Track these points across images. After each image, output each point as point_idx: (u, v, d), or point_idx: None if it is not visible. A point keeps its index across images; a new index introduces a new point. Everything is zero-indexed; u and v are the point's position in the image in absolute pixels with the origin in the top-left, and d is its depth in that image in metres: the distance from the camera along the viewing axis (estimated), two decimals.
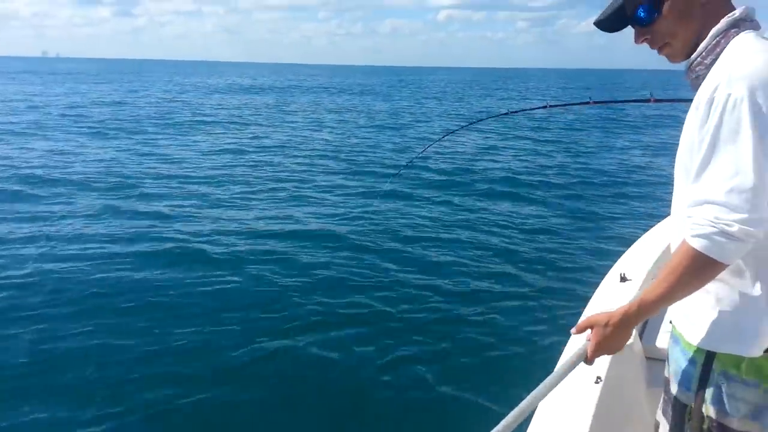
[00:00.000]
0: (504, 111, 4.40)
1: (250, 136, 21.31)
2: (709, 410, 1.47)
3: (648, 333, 2.84)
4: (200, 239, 8.46)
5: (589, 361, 1.58)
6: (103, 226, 9.01)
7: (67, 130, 20.83)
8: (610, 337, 1.51)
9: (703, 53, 1.42)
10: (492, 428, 1.61)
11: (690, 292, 1.41)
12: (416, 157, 7.61)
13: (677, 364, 1.57)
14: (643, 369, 2.60)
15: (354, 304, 6.22)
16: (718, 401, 1.46)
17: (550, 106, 3.85)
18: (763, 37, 1.39)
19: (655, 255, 3.13)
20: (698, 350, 1.49)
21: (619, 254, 3.36)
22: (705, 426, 1.49)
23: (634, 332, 2.47)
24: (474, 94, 55.03)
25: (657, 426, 1.71)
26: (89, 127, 21.84)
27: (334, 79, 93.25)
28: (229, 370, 4.76)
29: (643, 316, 1.48)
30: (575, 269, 7.13)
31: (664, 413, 1.65)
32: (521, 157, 16.85)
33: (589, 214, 9.92)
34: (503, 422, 1.58)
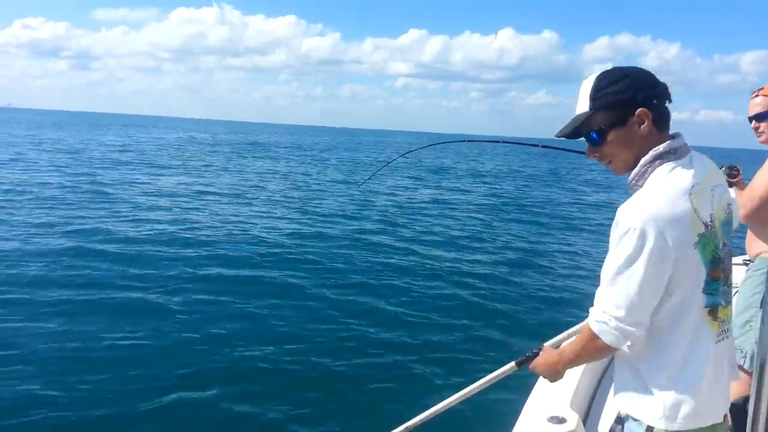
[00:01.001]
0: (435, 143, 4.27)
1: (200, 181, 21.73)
2: None
3: (591, 418, 2.89)
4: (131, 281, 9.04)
5: (520, 366, 2.04)
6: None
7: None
8: (543, 371, 1.92)
9: (636, 177, 1.64)
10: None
11: (591, 360, 1.78)
12: (364, 182, 7.66)
13: (613, 425, 1.77)
14: None
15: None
16: None
17: (469, 140, 4.15)
18: (681, 165, 1.59)
19: None
20: (639, 425, 1.64)
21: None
22: None
23: (577, 418, 2.53)
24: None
25: None
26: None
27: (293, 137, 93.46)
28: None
29: (561, 369, 1.85)
30: (561, 295, 7.83)
31: None
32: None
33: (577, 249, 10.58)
34: (435, 407, 2.10)
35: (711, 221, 1.56)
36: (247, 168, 30.96)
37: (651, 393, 1.60)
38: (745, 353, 2.72)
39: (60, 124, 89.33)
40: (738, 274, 2.72)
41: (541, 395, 2.60)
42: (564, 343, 2.77)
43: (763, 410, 1.43)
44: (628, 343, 1.57)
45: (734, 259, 2.24)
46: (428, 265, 10.31)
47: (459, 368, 5.87)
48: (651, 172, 1.60)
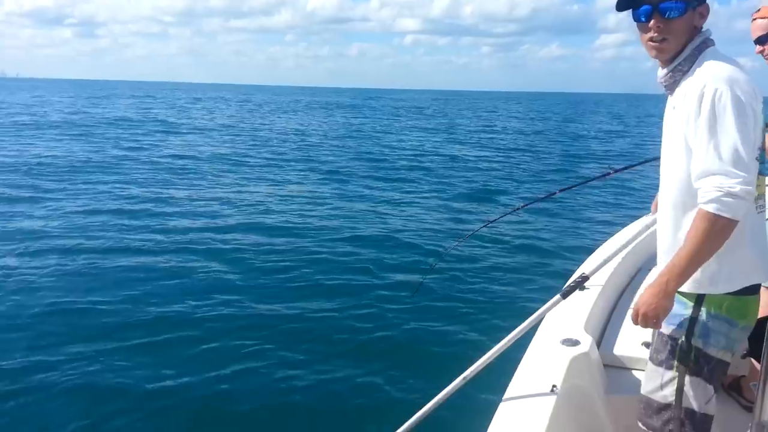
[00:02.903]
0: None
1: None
2: (697, 342, 1.77)
3: (606, 341, 2.85)
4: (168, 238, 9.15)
5: (637, 323, 1.78)
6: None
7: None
8: (655, 308, 1.70)
9: (682, 61, 1.73)
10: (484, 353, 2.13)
11: (711, 253, 1.63)
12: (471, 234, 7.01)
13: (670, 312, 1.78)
14: (601, 376, 2.55)
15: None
16: (704, 335, 1.76)
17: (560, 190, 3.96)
18: (723, 54, 1.72)
19: (616, 261, 3.11)
20: (689, 295, 1.77)
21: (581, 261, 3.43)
22: (692, 355, 1.78)
23: (591, 340, 2.48)
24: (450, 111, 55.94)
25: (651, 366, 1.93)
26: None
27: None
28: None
29: (676, 280, 1.67)
30: (540, 277, 7.34)
31: (652, 357, 1.90)
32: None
33: (553, 226, 10.15)
34: (490, 352, 2.12)
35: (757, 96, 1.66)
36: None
37: (709, 263, 1.67)
38: None
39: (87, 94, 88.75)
40: None
41: (554, 318, 2.56)
42: (602, 273, 2.89)
43: None
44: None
45: None
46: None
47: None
48: (697, 57, 1.71)
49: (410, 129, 34.65)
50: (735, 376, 2.61)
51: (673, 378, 1.81)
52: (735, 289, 1.73)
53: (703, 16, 1.73)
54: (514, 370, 2.25)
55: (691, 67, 1.71)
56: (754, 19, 2.66)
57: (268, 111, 52.88)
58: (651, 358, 1.91)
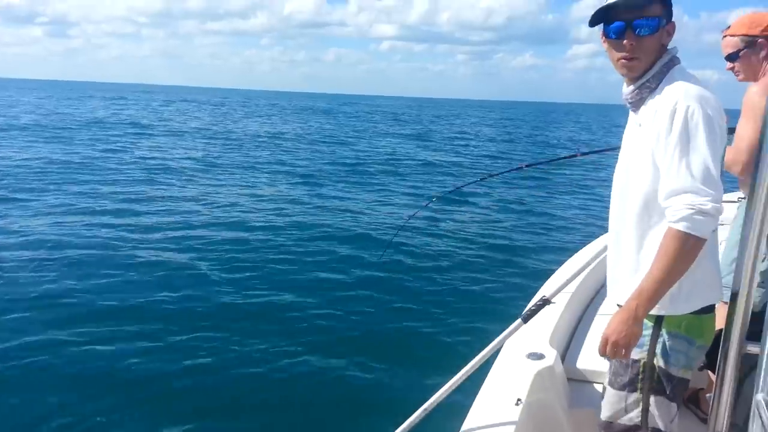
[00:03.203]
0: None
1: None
2: (659, 362, 1.75)
3: (570, 354, 2.85)
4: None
5: (603, 355, 1.75)
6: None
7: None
8: (625, 335, 1.66)
9: (650, 78, 1.71)
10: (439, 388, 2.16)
11: (681, 274, 1.60)
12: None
13: None
14: (565, 390, 2.57)
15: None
16: (665, 355, 1.74)
17: (489, 175, 3.94)
18: (687, 71, 1.71)
19: (579, 279, 3.11)
20: (648, 316, 1.71)
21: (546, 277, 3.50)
22: (655, 375, 1.76)
23: (555, 354, 2.51)
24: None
25: (602, 395, 1.94)
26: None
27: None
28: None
29: (645, 305, 1.63)
30: (503, 293, 7.13)
31: (611, 383, 1.87)
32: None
33: (516, 246, 9.89)
34: (449, 383, 2.14)
35: None
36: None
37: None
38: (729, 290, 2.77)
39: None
40: (731, 210, 2.79)
41: (521, 333, 2.56)
42: (564, 290, 2.84)
43: (734, 344, 1.46)
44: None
45: (728, 196, 2.34)
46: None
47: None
48: (667, 73, 1.69)
49: (384, 135, 35.02)
50: (693, 389, 2.63)
51: (638, 399, 1.79)
52: (694, 310, 1.73)
53: (670, 33, 1.73)
54: (481, 384, 2.30)
55: (659, 84, 1.69)
56: (724, 36, 2.63)
57: (242, 115, 52.71)
58: (610, 383, 1.87)
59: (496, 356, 2.50)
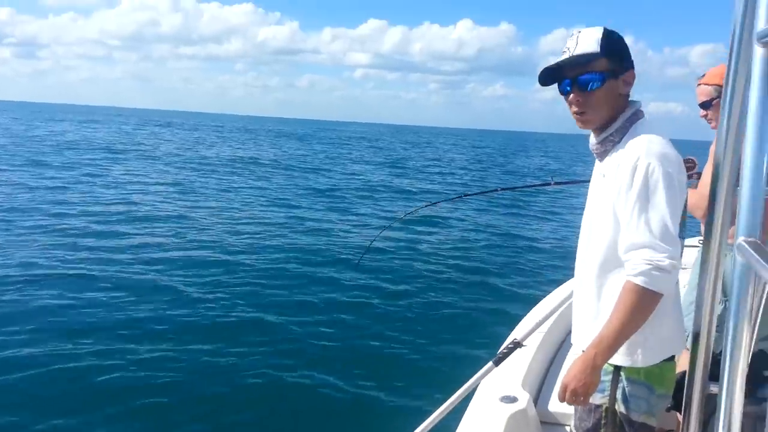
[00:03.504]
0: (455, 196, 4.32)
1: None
2: (620, 407, 1.77)
3: (542, 397, 2.87)
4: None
5: (563, 401, 1.77)
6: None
7: None
8: (584, 384, 1.68)
9: (613, 132, 1.72)
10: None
11: (638, 326, 1.63)
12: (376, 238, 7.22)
13: None
14: None
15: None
16: (625, 400, 1.76)
17: (466, 195, 4.21)
18: (653, 123, 1.73)
19: (550, 322, 3.11)
20: (608, 365, 1.75)
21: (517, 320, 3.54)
22: (617, 420, 1.79)
23: (528, 397, 2.54)
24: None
25: None
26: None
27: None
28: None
29: (604, 354, 1.66)
30: (475, 336, 6.84)
31: (576, 427, 1.90)
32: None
33: (488, 268, 9.98)
34: (422, 426, 2.14)
35: None
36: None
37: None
38: (688, 333, 2.81)
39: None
40: (691, 255, 2.92)
41: (494, 376, 2.59)
42: (536, 333, 2.87)
43: (697, 385, 1.49)
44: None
45: (689, 241, 2.48)
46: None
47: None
48: (635, 128, 1.70)
49: (357, 161, 35.41)
50: (663, 430, 2.61)
51: None
52: (654, 363, 1.75)
53: (628, 83, 1.74)
54: (455, 427, 2.33)
55: (623, 138, 1.71)
56: (699, 84, 2.65)
57: (216, 139, 52.66)
58: (576, 428, 1.90)
59: (469, 399, 2.54)
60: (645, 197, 1.59)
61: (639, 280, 1.57)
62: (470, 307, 7.67)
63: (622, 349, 1.70)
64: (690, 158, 2.87)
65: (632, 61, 1.74)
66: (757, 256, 0.92)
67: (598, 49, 1.67)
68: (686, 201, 1.72)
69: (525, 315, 3.58)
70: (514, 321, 3.50)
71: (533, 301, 3.92)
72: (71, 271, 8.19)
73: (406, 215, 5.19)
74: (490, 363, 2.44)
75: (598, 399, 1.80)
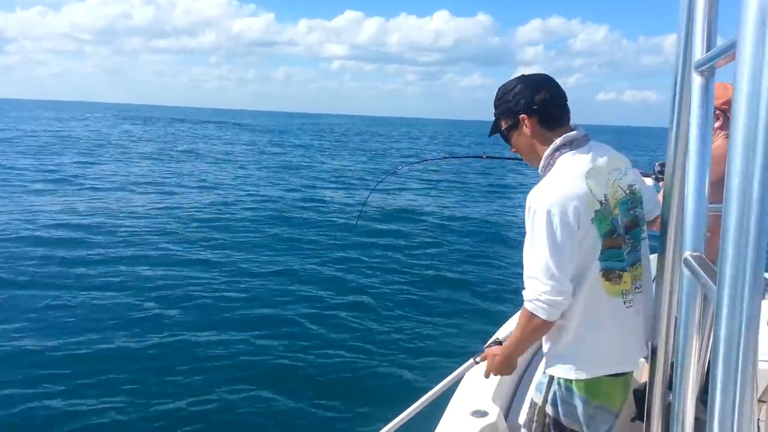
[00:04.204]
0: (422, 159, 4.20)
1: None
2: (549, 410, 1.92)
3: (513, 410, 2.93)
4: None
5: (486, 376, 2.14)
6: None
7: None
8: (498, 368, 2.02)
9: (543, 168, 1.87)
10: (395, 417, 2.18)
11: (529, 343, 1.92)
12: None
13: (539, 378, 2.04)
14: None
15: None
16: (555, 404, 1.90)
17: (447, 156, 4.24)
18: (579, 153, 1.81)
19: None
20: (550, 377, 1.93)
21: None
22: (545, 421, 1.93)
23: (499, 411, 2.60)
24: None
25: None
26: None
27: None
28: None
29: (512, 355, 1.97)
30: (458, 339, 6.71)
31: (524, 422, 2.05)
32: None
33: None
34: (402, 415, 2.12)
35: (605, 200, 1.77)
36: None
37: (560, 350, 1.87)
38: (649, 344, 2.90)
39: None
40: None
41: (465, 390, 2.65)
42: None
43: (657, 395, 1.52)
44: (561, 313, 1.77)
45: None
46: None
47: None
48: (554, 163, 1.83)
49: (336, 153, 35.24)
50: None
51: None
52: (585, 378, 1.84)
53: (526, 126, 1.88)
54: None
55: (546, 174, 1.85)
56: None
57: (189, 132, 51.96)
58: (523, 419, 2.09)
59: (448, 394, 2.58)
60: (530, 237, 1.77)
61: (528, 306, 1.77)
62: (456, 303, 7.68)
63: (554, 359, 1.89)
64: (663, 162, 2.94)
65: (526, 103, 1.87)
66: (701, 270, 0.96)
67: (494, 114, 1.97)
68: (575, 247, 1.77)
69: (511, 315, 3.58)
70: (502, 320, 3.50)
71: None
72: (26, 284, 7.97)
73: (388, 175, 5.08)
74: (471, 360, 2.44)
75: (535, 396, 1.99)
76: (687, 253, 1.07)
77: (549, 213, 1.71)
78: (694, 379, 1.13)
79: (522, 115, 1.87)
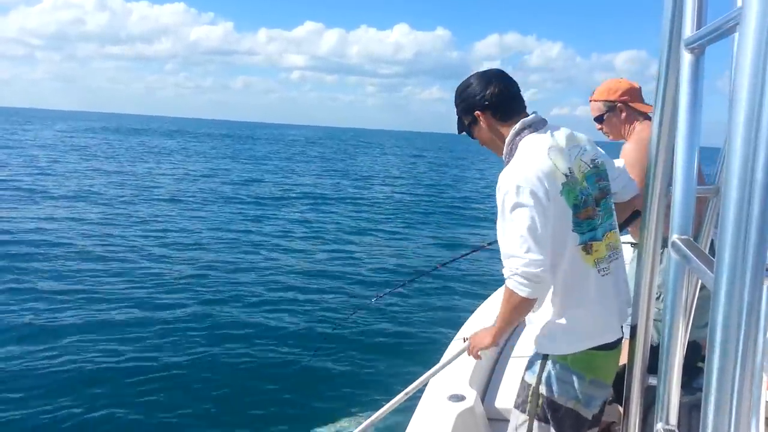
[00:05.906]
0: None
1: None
2: (543, 389, 1.90)
3: (489, 394, 2.92)
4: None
5: (470, 354, 2.15)
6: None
7: None
8: (479, 347, 2.07)
9: (506, 154, 1.92)
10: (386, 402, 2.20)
11: (517, 318, 1.88)
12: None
13: (531, 358, 2.01)
14: (485, 429, 2.62)
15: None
16: (549, 383, 1.89)
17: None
18: (538, 134, 1.89)
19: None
20: (539, 355, 1.95)
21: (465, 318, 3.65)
22: (540, 401, 1.91)
23: (476, 394, 2.60)
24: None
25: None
26: None
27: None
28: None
29: (494, 335, 1.98)
30: (428, 339, 6.79)
31: (515, 402, 2.03)
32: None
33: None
34: (394, 399, 2.12)
35: (570, 173, 1.82)
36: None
37: (551, 328, 1.88)
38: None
39: None
40: (629, 251, 2.93)
41: (442, 375, 2.60)
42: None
43: (636, 379, 1.54)
44: (541, 288, 1.78)
45: (627, 237, 2.42)
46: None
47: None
48: (516, 147, 1.89)
49: (297, 165, 34.93)
50: (606, 423, 2.65)
51: (525, 422, 1.94)
52: (577, 351, 1.87)
53: (483, 120, 1.97)
54: (405, 427, 2.36)
55: (510, 159, 1.90)
56: (590, 101, 2.80)
57: (139, 144, 50.79)
58: (515, 403, 2.04)
59: (416, 398, 2.54)
60: (503, 215, 1.79)
61: (509, 284, 1.77)
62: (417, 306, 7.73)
63: (545, 339, 1.90)
64: None
65: (478, 99, 1.95)
66: (690, 253, 0.95)
67: (456, 113, 2.06)
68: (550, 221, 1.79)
69: (472, 313, 3.65)
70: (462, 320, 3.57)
71: (481, 299, 4.02)
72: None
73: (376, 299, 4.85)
74: (462, 339, 2.43)
75: (529, 377, 1.96)
76: (675, 237, 1.06)
77: (518, 189, 1.75)
78: (680, 362, 1.13)
79: (476, 112, 1.96)
